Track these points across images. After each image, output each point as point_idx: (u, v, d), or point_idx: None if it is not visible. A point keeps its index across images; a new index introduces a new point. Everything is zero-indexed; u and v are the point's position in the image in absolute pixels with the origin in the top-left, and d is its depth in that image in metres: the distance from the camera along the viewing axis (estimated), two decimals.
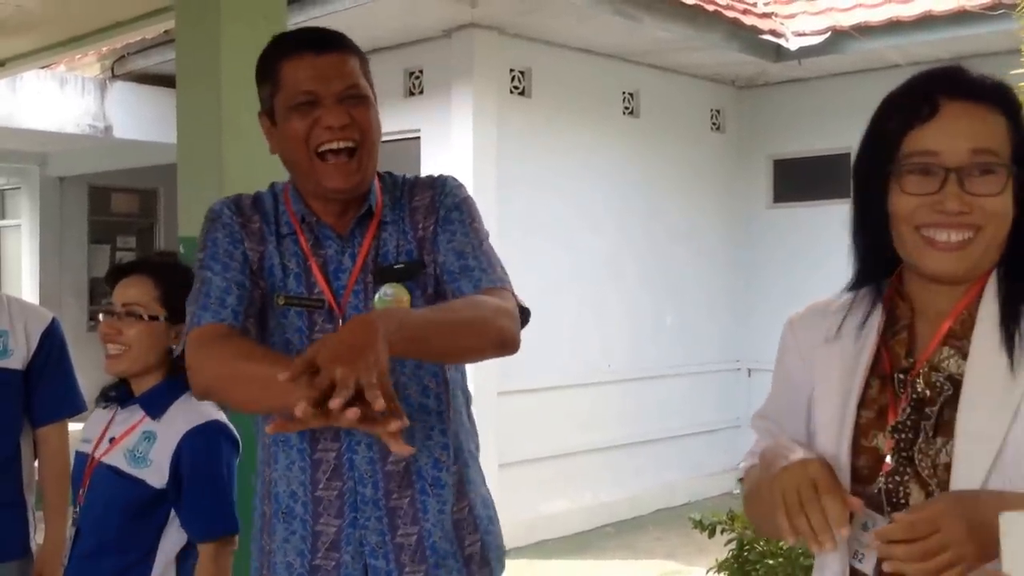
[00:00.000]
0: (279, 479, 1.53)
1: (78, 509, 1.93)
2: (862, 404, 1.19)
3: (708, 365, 7.14)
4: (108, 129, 7.40)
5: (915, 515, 1.01)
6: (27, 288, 9.30)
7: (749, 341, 7.29)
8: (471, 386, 1.65)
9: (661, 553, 5.71)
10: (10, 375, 2.33)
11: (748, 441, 1.35)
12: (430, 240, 1.53)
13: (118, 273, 2.00)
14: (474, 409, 1.66)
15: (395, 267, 1.51)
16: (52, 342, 2.42)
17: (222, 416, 1.93)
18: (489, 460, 5.73)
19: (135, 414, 1.92)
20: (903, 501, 1.13)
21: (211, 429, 1.89)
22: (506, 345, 1.43)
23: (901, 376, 1.17)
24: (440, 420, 1.53)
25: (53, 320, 2.47)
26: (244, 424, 1.89)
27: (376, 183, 1.57)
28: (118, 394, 1.98)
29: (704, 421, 7.07)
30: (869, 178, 1.19)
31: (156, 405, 1.90)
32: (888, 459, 1.14)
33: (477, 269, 1.49)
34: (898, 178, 1.15)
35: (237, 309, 1.45)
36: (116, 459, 1.88)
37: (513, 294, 1.51)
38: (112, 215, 9.82)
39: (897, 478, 1.13)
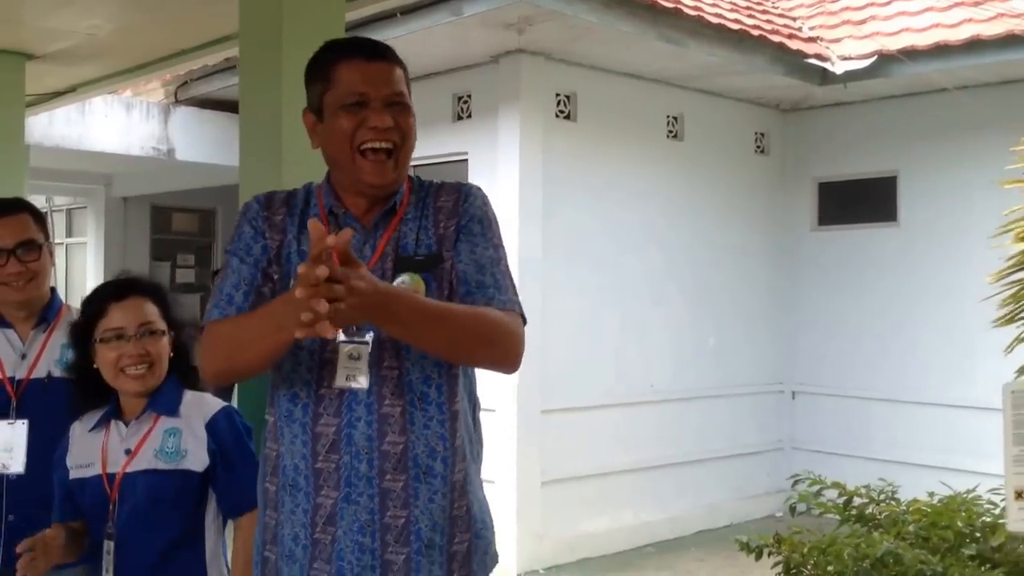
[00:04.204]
0: (285, 453, 1.59)
1: (111, 525, 1.92)
2: None
3: (751, 387, 7.12)
4: (171, 152, 7.69)
5: None
6: None
7: (793, 364, 7.28)
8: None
9: (702, 575, 5.71)
10: None
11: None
12: (450, 240, 1.60)
13: (107, 299, 1.99)
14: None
15: (415, 258, 1.57)
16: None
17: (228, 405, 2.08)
18: (532, 478, 5.79)
19: (144, 423, 1.97)
20: None
21: (228, 413, 2.03)
22: (501, 361, 1.56)
23: None
24: (440, 411, 1.57)
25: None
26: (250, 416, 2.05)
27: (406, 184, 1.66)
28: (107, 413, 2.00)
29: (747, 443, 7.04)
30: None
31: (169, 404, 1.99)
32: None
33: (492, 287, 1.58)
34: None
35: (243, 306, 1.58)
36: (147, 463, 1.93)
37: (522, 315, 1.60)
38: (173, 234, 10.14)
39: None
